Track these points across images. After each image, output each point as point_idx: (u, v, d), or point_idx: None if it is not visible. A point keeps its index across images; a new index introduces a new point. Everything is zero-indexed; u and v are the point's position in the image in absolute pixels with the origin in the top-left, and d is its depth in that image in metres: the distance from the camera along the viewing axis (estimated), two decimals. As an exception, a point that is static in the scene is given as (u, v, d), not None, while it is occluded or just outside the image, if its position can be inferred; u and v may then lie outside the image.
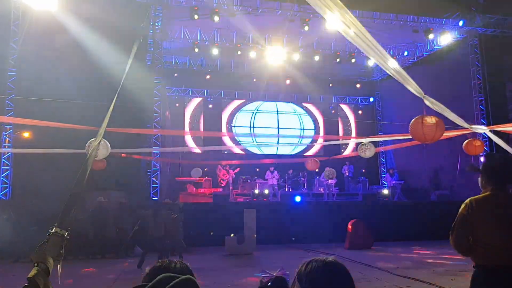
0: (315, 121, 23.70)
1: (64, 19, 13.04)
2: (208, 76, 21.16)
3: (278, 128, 22.93)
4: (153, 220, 10.75)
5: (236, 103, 22.89)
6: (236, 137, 22.43)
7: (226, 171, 19.14)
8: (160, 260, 1.78)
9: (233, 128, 22.61)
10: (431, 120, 7.14)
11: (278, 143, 22.85)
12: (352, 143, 22.62)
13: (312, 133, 23.44)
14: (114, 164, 13.10)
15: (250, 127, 22.89)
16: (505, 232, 3.00)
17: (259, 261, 11.71)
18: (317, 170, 19.17)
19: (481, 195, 3.22)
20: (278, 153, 22.69)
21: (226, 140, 22.04)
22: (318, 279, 1.63)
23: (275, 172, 19.27)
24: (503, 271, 2.95)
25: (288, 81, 22.10)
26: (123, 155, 14.00)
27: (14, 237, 11.96)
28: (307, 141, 23.31)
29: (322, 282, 1.62)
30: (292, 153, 22.87)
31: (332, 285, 1.63)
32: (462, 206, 3.18)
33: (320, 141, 22.84)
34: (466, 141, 12.32)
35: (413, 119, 7.52)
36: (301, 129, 23.40)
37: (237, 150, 21.89)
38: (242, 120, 22.89)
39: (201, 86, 21.92)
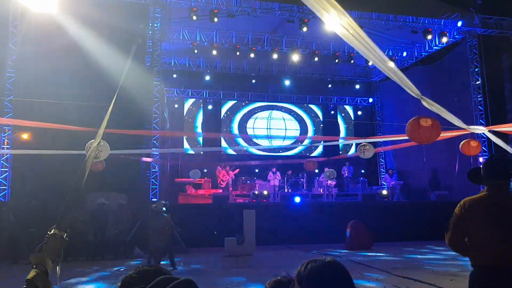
0: (314, 122, 23.71)
1: (62, 20, 13.03)
2: (208, 78, 21.18)
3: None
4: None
5: (230, 103, 22.88)
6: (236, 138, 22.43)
7: (226, 172, 19.14)
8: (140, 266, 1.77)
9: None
10: (427, 121, 7.15)
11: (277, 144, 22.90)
12: (353, 144, 22.66)
13: (311, 134, 23.46)
14: (114, 165, 13.09)
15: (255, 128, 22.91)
16: (497, 233, 3.01)
17: (258, 262, 11.71)
18: (316, 171, 19.18)
19: (476, 195, 3.25)
20: (279, 152, 22.70)
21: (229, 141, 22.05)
22: (317, 280, 1.62)
23: (278, 173, 19.28)
24: (498, 271, 2.96)
25: (287, 82, 22.13)
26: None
27: (13, 239, 11.96)
28: (306, 142, 23.33)
29: (321, 283, 1.61)
30: (292, 153, 22.88)
31: (331, 285, 1.62)
32: (457, 206, 3.22)
33: (320, 142, 22.87)
34: (463, 141, 12.32)
35: (409, 121, 7.53)
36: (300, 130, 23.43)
37: (233, 151, 21.87)
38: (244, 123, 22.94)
39: (200, 87, 21.94)
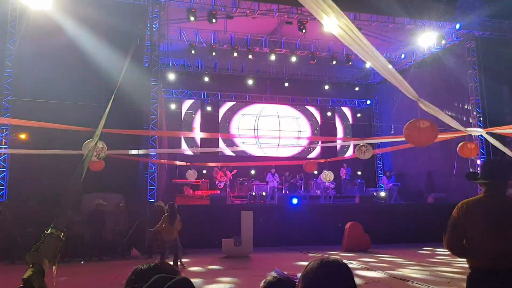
0: (312, 123, 23.73)
1: (61, 20, 13.03)
2: (207, 79, 21.17)
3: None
4: None
5: (229, 104, 22.86)
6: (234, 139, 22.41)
7: (223, 173, 19.15)
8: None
9: (237, 130, 22.60)
10: (425, 123, 7.16)
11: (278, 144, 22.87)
12: (351, 146, 22.71)
13: (309, 135, 23.47)
14: (111, 166, 13.07)
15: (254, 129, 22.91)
16: (495, 234, 3.02)
17: (256, 263, 11.70)
18: (315, 172, 19.20)
19: (474, 197, 3.26)
20: (278, 155, 22.65)
21: (225, 141, 22.02)
22: (319, 279, 1.66)
23: (276, 174, 19.29)
24: (495, 272, 2.97)
25: (286, 84, 22.13)
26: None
27: (10, 239, 11.92)
28: (304, 143, 23.35)
29: (323, 281, 1.65)
30: (289, 155, 22.88)
31: (333, 284, 1.65)
32: (455, 208, 3.23)
33: (318, 143, 22.89)
34: (461, 143, 12.36)
35: (407, 123, 7.55)
36: (298, 131, 23.42)
37: (230, 152, 21.87)
38: (244, 123, 22.91)
39: (198, 88, 21.93)
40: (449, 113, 16.28)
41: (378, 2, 15.88)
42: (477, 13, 17.10)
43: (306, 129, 23.56)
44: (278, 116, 23.21)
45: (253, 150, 22.30)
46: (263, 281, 1.93)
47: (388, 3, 15.91)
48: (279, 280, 1.93)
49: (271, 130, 22.73)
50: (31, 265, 1.84)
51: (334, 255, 12.61)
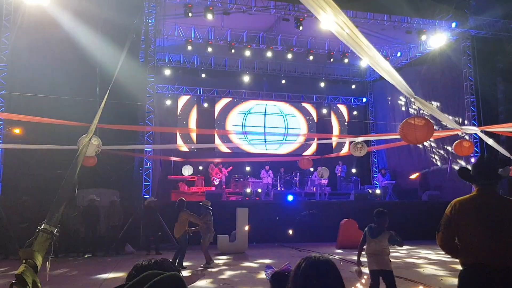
0: (308, 120, 23.74)
1: (56, 14, 12.95)
2: (203, 75, 21.10)
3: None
4: None
5: (225, 101, 22.82)
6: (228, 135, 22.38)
7: (219, 170, 19.14)
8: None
9: (233, 127, 22.58)
10: (420, 121, 7.19)
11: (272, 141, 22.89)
12: (347, 143, 22.74)
13: (304, 132, 23.49)
14: (106, 161, 13.04)
15: (244, 125, 22.89)
16: (487, 232, 3.04)
17: (251, 259, 11.72)
18: (311, 169, 19.22)
19: (466, 196, 3.28)
20: (273, 151, 22.65)
21: (221, 138, 21.99)
22: (302, 276, 1.70)
23: (270, 171, 19.30)
24: (487, 270, 2.99)
25: (283, 81, 22.13)
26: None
27: (4, 234, 11.88)
28: (301, 140, 23.38)
29: (306, 279, 1.68)
30: (286, 152, 22.90)
31: (320, 281, 1.68)
32: (448, 206, 3.25)
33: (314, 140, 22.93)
34: (456, 142, 12.42)
35: (403, 121, 7.57)
36: (295, 128, 23.44)
37: (226, 148, 21.87)
38: (237, 120, 22.89)
39: (195, 84, 21.87)
40: (444, 111, 16.33)
41: (375, 0, 15.89)
42: (472, 12, 17.13)
43: (301, 126, 23.57)
44: (274, 113, 23.23)
45: (249, 146, 22.29)
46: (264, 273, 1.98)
47: (384, 2, 15.91)
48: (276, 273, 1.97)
49: (268, 127, 22.76)
50: (24, 261, 1.84)
51: (329, 252, 12.64)
